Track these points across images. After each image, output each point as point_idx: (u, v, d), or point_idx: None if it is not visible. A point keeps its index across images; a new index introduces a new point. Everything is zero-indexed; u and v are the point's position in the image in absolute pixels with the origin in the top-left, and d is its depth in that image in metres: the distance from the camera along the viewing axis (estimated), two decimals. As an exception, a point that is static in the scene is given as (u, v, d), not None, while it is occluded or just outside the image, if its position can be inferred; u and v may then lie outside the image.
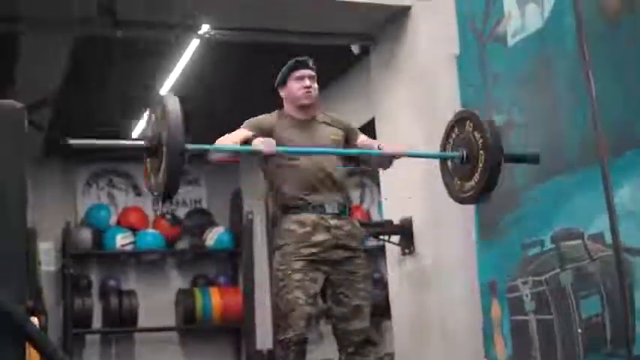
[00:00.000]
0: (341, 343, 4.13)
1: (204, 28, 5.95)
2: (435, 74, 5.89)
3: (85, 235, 9.32)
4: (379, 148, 4.15)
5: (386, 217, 6.20)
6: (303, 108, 4.26)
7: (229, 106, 7.68)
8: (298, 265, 3.99)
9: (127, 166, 10.00)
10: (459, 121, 4.13)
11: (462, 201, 4.18)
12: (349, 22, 6.19)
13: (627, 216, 4.29)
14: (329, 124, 4.31)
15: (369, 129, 6.58)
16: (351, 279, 4.10)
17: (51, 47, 6.18)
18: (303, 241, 4.02)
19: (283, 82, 4.24)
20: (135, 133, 8.48)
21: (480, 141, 3.95)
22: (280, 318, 4.01)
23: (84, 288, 9.28)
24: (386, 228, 6.00)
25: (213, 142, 3.92)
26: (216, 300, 9.41)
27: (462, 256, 5.64)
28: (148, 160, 3.64)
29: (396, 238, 6.01)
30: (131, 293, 9.32)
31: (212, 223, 9.84)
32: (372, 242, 7.60)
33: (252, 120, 4.17)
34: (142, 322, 9.28)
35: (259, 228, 9.30)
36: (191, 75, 7.05)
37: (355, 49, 6.52)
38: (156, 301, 9.48)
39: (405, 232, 5.90)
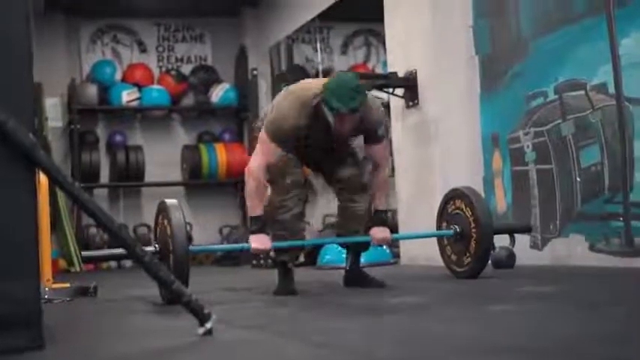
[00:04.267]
0: (336, 190, 4.26)
1: None
2: None
3: (91, 91, 9.34)
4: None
5: (390, 69, 6.19)
6: None
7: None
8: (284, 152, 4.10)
9: (132, 22, 9.93)
10: (451, 198, 4.38)
11: (458, 275, 4.34)
12: None
13: (631, 66, 4.31)
14: (351, 131, 4.08)
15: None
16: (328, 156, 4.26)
17: None
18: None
19: (327, 107, 3.87)
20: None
21: (472, 218, 4.21)
22: (271, 181, 4.10)
23: (91, 143, 9.38)
24: (390, 81, 6.01)
25: None
26: (221, 156, 9.51)
27: (465, 108, 5.69)
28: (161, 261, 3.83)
29: (400, 91, 6.03)
30: (138, 148, 9.42)
31: (217, 80, 9.84)
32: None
33: (278, 128, 4.02)
34: (149, 177, 9.42)
35: (264, 84, 9.32)
36: None
37: None
38: (162, 157, 9.60)
39: (409, 84, 5.92)
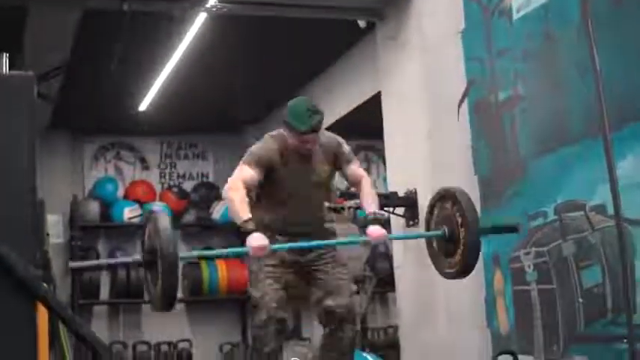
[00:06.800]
0: (323, 320, 4.32)
1: (212, 1, 5.95)
2: (440, 49, 5.93)
3: (93, 208, 9.40)
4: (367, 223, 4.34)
5: (391, 189, 6.25)
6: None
7: (235, 81, 7.75)
8: (270, 261, 4.25)
9: (134, 140, 10.07)
10: (440, 198, 4.48)
11: (447, 276, 4.50)
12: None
13: (629, 187, 4.34)
14: (323, 159, 4.43)
15: (375, 103, 6.64)
16: (323, 268, 4.37)
17: (59, 19, 6.21)
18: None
19: (289, 128, 4.29)
20: (142, 107, 8.53)
21: (460, 220, 4.29)
22: (254, 306, 4.25)
23: (92, 259, 9.37)
24: (391, 200, 6.05)
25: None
26: (222, 272, 9.49)
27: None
28: (147, 272, 3.87)
29: (400, 210, 6.07)
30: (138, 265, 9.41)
31: (219, 197, 9.89)
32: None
33: (254, 155, 4.28)
34: (149, 293, 9.38)
35: (265, 201, 9.36)
36: (197, 49, 7.06)
37: (362, 23, 6.54)
38: (163, 273, 9.58)
39: (409, 204, 5.96)
